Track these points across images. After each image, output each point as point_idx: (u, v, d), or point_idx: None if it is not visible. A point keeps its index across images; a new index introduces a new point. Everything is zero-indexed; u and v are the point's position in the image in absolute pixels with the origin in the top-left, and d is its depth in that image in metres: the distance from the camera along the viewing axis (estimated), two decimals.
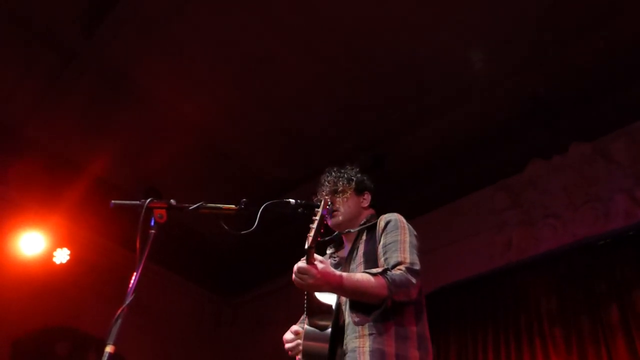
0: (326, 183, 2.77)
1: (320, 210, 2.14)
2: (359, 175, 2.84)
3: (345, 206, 2.70)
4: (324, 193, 2.72)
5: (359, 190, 2.79)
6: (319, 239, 2.12)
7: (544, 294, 4.96)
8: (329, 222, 2.70)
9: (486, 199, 5.66)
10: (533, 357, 4.74)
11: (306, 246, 2.09)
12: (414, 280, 2.29)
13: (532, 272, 5.13)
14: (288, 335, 2.54)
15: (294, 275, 2.17)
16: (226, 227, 2.37)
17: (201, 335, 7.76)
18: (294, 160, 5.99)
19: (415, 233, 2.54)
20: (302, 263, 2.14)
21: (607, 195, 4.88)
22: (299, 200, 2.44)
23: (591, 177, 5.04)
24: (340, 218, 2.68)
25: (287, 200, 2.44)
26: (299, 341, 2.44)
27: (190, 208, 2.24)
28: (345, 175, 2.80)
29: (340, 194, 2.72)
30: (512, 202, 5.46)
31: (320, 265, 2.15)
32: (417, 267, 2.34)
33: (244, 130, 5.78)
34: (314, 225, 2.10)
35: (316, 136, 5.69)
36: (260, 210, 2.40)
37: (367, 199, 2.81)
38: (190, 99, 5.49)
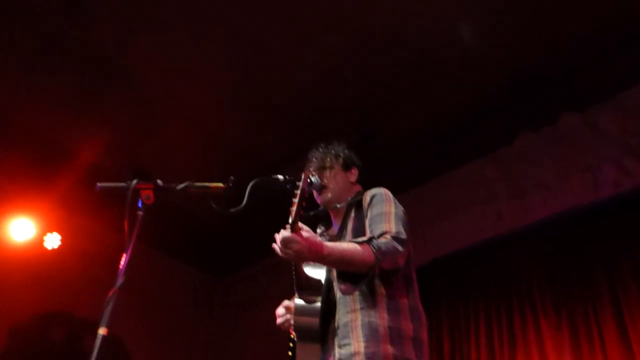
0: (314, 159, 2.76)
1: (301, 184, 2.11)
2: (346, 151, 2.84)
3: (333, 182, 2.69)
4: (311, 169, 2.71)
5: (347, 166, 2.79)
6: (301, 213, 2.09)
7: (534, 265, 5.00)
8: (318, 199, 2.69)
9: (476, 172, 5.68)
10: (524, 327, 4.79)
11: (290, 220, 2.07)
12: (400, 248, 2.28)
13: (522, 243, 5.17)
14: (280, 310, 2.55)
15: (277, 245, 2.14)
16: (215, 206, 2.36)
17: (194, 315, 7.79)
18: (284, 138, 5.96)
19: (401, 207, 2.53)
20: (285, 232, 2.10)
21: (596, 165, 4.91)
22: (287, 177, 2.42)
23: (580, 147, 5.06)
24: (329, 195, 2.68)
25: (276, 177, 2.43)
26: (289, 316, 2.45)
27: (178, 188, 2.22)
28: (333, 151, 2.79)
29: (328, 170, 2.71)
30: (501, 174, 5.47)
31: (305, 234, 2.12)
32: (403, 236, 2.34)
33: (234, 110, 5.73)
34: (296, 199, 2.08)
35: (306, 113, 5.65)
36: (249, 187, 2.38)
37: (354, 174, 2.80)
38: (181, 81, 5.42)
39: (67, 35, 4.98)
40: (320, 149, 2.81)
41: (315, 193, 2.68)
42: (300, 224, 2.11)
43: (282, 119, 5.78)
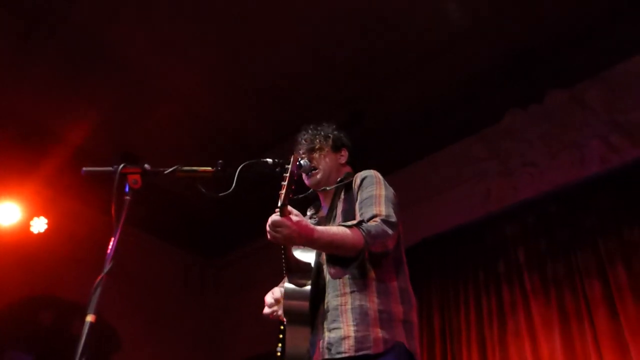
0: (303, 141, 2.73)
1: (289, 166, 2.10)
2: (335, 132, 2.80)
3: (323, 163, 2.66)
4: (301, 152, 2.68)
5: (336, 147, 2.76)
6: (291, 195, 2.08)
7: (523, 243, 5.04)
8: (308, 182, 2.67)
9: (464, 151, 5.68)
10: (513, 305, 4.84)
11: (279, 203, 2.05)
12: (390, 231, 2.27)
13: (511, 221, 5.20)
14: (268, 299, 2.51)
15: (267, 228, 2.13)
16: (203, 190, 2.34)
17: (186, 297, 7.79)
18: (272, 121, 5.91)
19: (392, 189, 2.52)
20: (275, 216, 2.10)
21: (583, 142, 4.93)
22: (276, 160, 2.40)
23: (567, 124, 5.07)
24: (319, 176, 2.65)
25: (265, 160, 2.40)
26: (276, 308, 2.44)
27: (166, 172, 2.19)
28: (322, 133, 2.75)
29: (318, 152, 2.68)
30: (490, 153, 5.49)
31: (295, 218, 2.11)
32: (393, 219, 2.32)
33: (222, 93, 5.67)
34: (285, 182, 2.07)
35: (294, 96, 5.61)
36: (238, 171, 2.36)
37: (344, 155, 2.77)
38: (169, 63, 5.34)
39: (50, 15, 4.88)
40: (310, 131, 2.77)
41: (304, 175, 2.65)
42: (290, 208, 2.10)
43: (270, 102, 5.73)
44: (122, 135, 6.06)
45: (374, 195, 2.42)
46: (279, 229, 2.09)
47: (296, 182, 2.16)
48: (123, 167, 2.08)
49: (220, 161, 2.26)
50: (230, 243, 7.80)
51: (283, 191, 2.06)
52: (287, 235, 2.09)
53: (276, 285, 2.66)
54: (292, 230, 2.08)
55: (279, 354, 2.41)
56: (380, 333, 2.18)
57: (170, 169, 2.21)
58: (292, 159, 2.14)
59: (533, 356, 4.51)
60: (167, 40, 5.13)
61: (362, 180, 2.53)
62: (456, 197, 5.54)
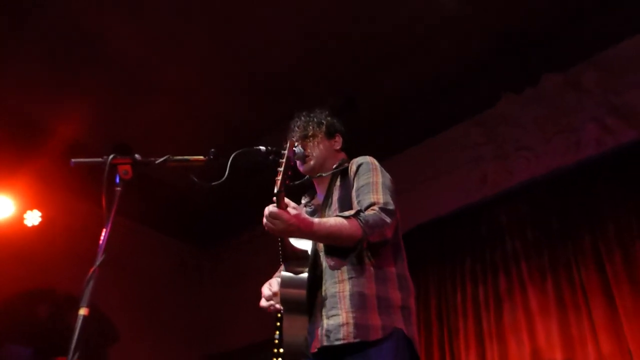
0: (296, 128, 2.70)
1: (286, 152, 2.07)
2: (329, 118, 2.77)
3: (316, 150, 2.64)
4: (294, 139, 2.64)
5: (330, 134, 2.73)
6: (287, 182, 2.06)
7: (520, 226, 5.03)
8: (302, 169, 2.64)
9: (460, 135, 5.66)
10: (510, 288, 4.84)
11: (275, 190, 2.03)
12: (388, 220, 2.27)
13: (507, 205, 5.19)
14: (266, 291, 2.50)
15: (264, 219, 2.11)
16: (196, 180, 2.32)
17: (182, 288, 7.80)
18: (264, 108, 5.87)
19: (388, 175, 2.50)
20: (273, 207, 2.08)
21: (579, 125, 4.92)
22: (269, 147, 2.37)
23: (562, 107, 5.05)
24: (312, 163, 2.63)
25: (258, 147, 2.38)
26: (273, 302, 2.42)
27: (157, 162, 2.16)
28: (315, 119, 2.73)
29: (311, 139, 2.66)
30: (486, 137, 5.47)
31: (292, 211, 2.10)
32: (391, 207, 2.31)
33: (213, 79, 5.61)
34: (281, 169, 2.04)
35: (286, 82, 5.56)
36: (230, 159, 2.33)
37: (338, 141, 2.75)
38: (159, 53, 5.28)
39: (38, 5, 4.81)
40: (303, 117, 2.74)
41: (298, 162, 2.63)
42: (287, 200, 2.09)
43: (262, 90, 5.68)
44: (115, 127, 6.00)
45: (371, 183, 2.40)
46: (276, 221, 2.08)
47: (292, 168, 2.14)
48: (113, 157, 2.06)
49: (212, 150, 2.24)
50: (225, 232, 7.79)
51: (279, 177, 2.04)
52: (285, 228, 2.09)
53: (273, 274, 2.65)
54: (289, 224, 2.08)
55: (276, 341, 2.40)
56: (378, 319, 2.18)
57: (162, 159, 2.18)
58: (287, 144, 2.11)
59: (530, 341, 4.51)
60: (158, 31, 5.07)
61: (358, 167, 2.51)
62: (452, 182, 5.53)
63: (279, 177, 2.04)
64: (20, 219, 5.97)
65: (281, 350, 2.34)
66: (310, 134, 2.67)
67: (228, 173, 2.31)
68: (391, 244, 2.38)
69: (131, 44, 5.19)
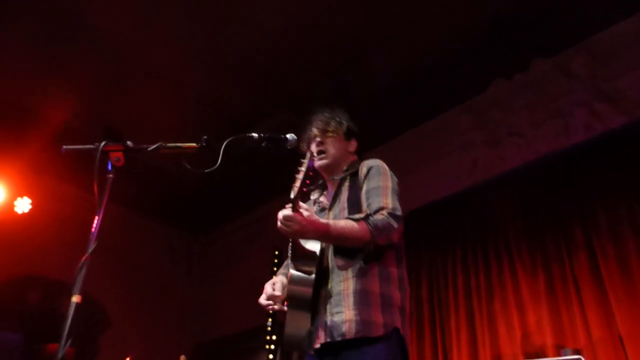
0: (318, 120, 2.72)
1: (306, 161, 2.14)
2: (350, 121, 2.81)
3: (333, 148, 2.67)
4: (314, 130, 2.68)
5: (348, 136, 2.76)
6: (304, 189, 2.13)
7: (510, 212, 5.05)
8: (315, 164, 2.66)
9: (451, 121, 5.67)
10: (500, 275, 4.87)
11: (291, 196, 2.09)
12: (395, 225, 2.33)
13: (498, 191, 5.21)
14: (268, 290, 2.51)
15: (279, 223, 2.17)
16: (188, 167, 2.31)
17: (174, 274, 7.81)
18: (257, 94, 5.84)
19: (396, 179, 2.56)
20: (287, 211, 2.14)
21: (568, 110, 4.93)
22: (262, 134, 2.38)
23: (552, 93, 5.07)
24: (327, 161, 2.66)
25: (250, 134, 2.38)
26: (271, 303, 2.44)
27: (149, 149, 2.15)
28: (337, 118, 2.76)
29: (331, 134, 2.68)
30: (476, 123, 5.48)
31: (305, 213, 2.16)
32: (399, 212, 2.38)
33: (205, 67, 5.58)
34: (300, 176, 2.10)
35: (278, 69, 5.53)
36: (223, 146, 2.33)
37: (354, 145, 2.79)
38: (149, 38, 5.24)
39: None
40: (326, 113, 2.77)
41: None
42: (300, 203, 2.15)
43: (254, 75, 5.65)
44: (105, 113, 5.97)
45: (381, 187, 2.47)
46: (290, 223, 2.14)
47: (310, 178, 2.19)
48: (105, 144, 2.04)
49: (205, 137, 2.23)
50: (217, 219, 7.78)
51: (297, 184, 2.09)
52: (298, 231, 2.16)
53: (263, 262, 2.65)
54: (303, 225, 2.15)
55: (269, 328, 2.42)
56: (381, 317, 2.27)
57: (154, 146, 2.17)
58: (307, 155, 2.19)
59: (520, 325, 4.54)
60: (147, 15, 5.02)
61: (369, 170, 2.57)
62: (443, 168, 5.55)
63: (297, 184, 2.09)
64: (10, 206, 5.97)
65: (274, 337, 2.37)
66: (331, 130, 2.70)
67: (220, 160, 2.31)
68: (395, 247, 2.45)
69: (120, 28, 5.14)
